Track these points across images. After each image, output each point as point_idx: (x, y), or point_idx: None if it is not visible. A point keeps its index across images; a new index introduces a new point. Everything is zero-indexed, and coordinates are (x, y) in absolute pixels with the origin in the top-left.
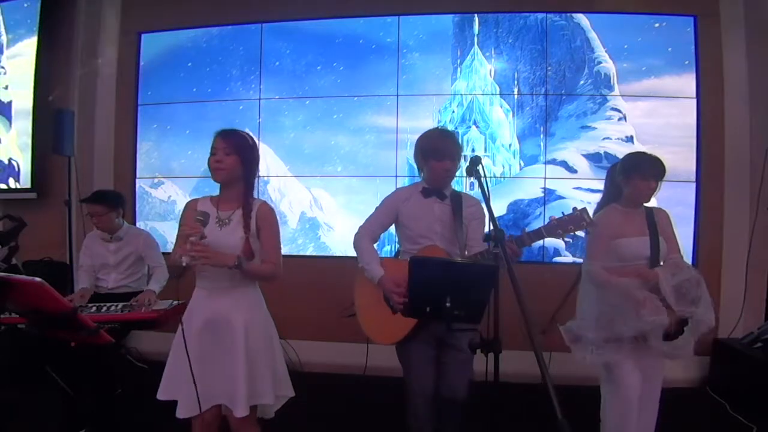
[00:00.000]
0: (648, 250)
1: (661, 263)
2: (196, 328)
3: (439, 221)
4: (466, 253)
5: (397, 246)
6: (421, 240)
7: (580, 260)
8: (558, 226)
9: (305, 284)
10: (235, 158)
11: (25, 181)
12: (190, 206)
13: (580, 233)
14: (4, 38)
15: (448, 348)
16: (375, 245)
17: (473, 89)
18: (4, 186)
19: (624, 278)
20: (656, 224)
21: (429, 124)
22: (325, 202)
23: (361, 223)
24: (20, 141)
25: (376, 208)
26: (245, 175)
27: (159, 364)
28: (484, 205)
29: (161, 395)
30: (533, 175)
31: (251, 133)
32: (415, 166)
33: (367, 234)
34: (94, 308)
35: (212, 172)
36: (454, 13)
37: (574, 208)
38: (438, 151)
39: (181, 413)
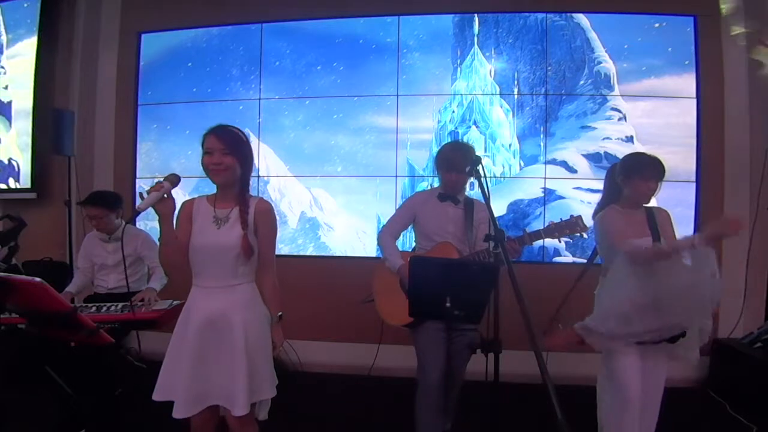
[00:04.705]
0: None
1: None
2: (195, 327)
3: (452, 222)
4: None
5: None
6: (436, 237)
7: (580, 260)
8: (555, 229)
9: (305, 284)
10: (233, 158)
11: (25, 181)
12: (185, 207)
13: (577, 235)
14: (4, 38)
15: (452, 330)
16: (396, 241)
17: (473, 89)
18: (4, 186)
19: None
20: (657, 224)
21: (429, 124)
22: (325, 202)
23: (384, 223)
24: (20, 141)
25: (397, 210)
26: (243, 173)
27: (159, 364)
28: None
29: (157, 396)
30: (533, 175)
31: (247, 131)
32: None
33: (389, 232)
34: (94, 308)
35: (210, 174)
36: (454, 13)
37: (571, 215)
38: (446, 163)
39: (177, 413)
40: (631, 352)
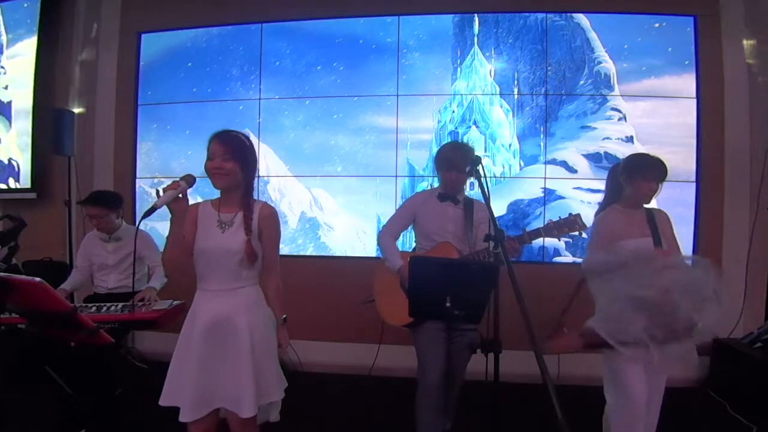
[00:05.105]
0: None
1: None
2: (200, 330)
3: (452, 222)
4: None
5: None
6: (436, 237)
7: (581, 260)
8: (554, 228)
9: (305, 284)
10: (235, 163)
11: (25, 181)
12: (190, 211)
13: (576, 234)
14: (4, 38)
15: (452, 330)
16: (396, 242)
17: (473, 89)
18: (4, 186)
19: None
20: (657, 225)
21: (429, 124)
22: (325, 202)
23: (384, 223)
24: (20, 141)
25: (397, 210)
26: (245, 177)
27: (159, 364)
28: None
29: (164, 401)
30: (533, 175)
31: (248, 132)
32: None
33: (389, 232)
34: (94, 308)
35: (212, 178)
36: (454, 13)
37: (570, 214)
38: (446, 162)
39: (184, 417)
40: (634, 353)
